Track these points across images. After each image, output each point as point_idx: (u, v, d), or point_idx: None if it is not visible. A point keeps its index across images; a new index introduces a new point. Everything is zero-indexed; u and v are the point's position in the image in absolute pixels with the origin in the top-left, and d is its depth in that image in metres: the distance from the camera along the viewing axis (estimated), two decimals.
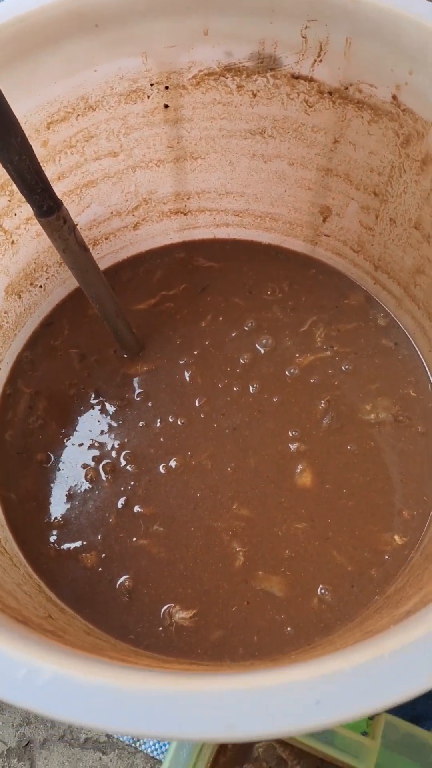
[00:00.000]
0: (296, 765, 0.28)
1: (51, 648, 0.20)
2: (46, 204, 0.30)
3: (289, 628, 0.32)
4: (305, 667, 0.17)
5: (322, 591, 0.33)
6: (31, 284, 0.38)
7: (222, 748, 0.31)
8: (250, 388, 0.39)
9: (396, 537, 0.34)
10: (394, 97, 0.30)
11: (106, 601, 0.34)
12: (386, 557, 0.34)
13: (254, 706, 0.17)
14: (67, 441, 0.38)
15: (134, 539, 0.35)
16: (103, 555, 0.35)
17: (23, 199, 0.34)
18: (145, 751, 0.41)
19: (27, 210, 0.35)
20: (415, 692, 0.16)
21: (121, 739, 0.42)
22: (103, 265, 0.42)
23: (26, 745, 0.44)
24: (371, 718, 0.25)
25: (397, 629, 0.18)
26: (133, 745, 0.42)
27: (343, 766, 0.26)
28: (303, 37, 0.31)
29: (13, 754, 0.44)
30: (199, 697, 0.17)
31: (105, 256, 0.42)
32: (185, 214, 0.42)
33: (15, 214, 0.34)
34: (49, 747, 0.44)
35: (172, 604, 0.33)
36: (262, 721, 0.16)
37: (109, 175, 0.37)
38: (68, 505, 0.36)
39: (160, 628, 0.33)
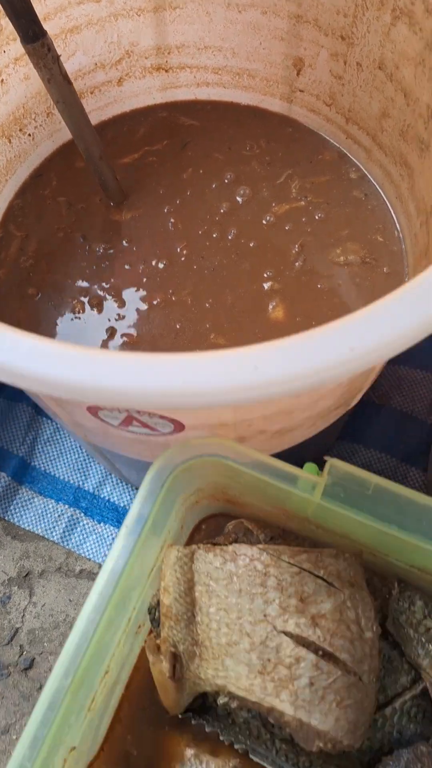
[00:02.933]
0: (260, 533, 0.32)
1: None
2: (31, 29, 0.32)
3: None
4: (249, 347, 0.21)
5: None
6: (21, 130, 0.40)
7: (197, 528, 0.34)
8: (229, 234, 0.41)
9: None
10: None
11: None
12: None
13: (205, 369, 0.20)
14: (56, 279, 0.40)
15: None
16: None
17: (12, 36, 0.36)
18: None
19: (16, 49, 0.37)
20: (339, 358, 0.19)
21: None
22: None
23: (26, 575, 0.48)
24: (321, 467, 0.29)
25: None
26: None
27: (298, 516, 0.29)
28: None
29: (14, 582, 0.48)
30: (160, 362, 0.20)
31: (90, 113, 0.43)
32: (167, 71, 0.44)
33: (4, 52, 0.36)
34: (47, 577, 0.48)
35: None
36: (213, 380, 0.20)
37: (92, 21, 0.39)
38: (58, 334, 0.39)
39: None
